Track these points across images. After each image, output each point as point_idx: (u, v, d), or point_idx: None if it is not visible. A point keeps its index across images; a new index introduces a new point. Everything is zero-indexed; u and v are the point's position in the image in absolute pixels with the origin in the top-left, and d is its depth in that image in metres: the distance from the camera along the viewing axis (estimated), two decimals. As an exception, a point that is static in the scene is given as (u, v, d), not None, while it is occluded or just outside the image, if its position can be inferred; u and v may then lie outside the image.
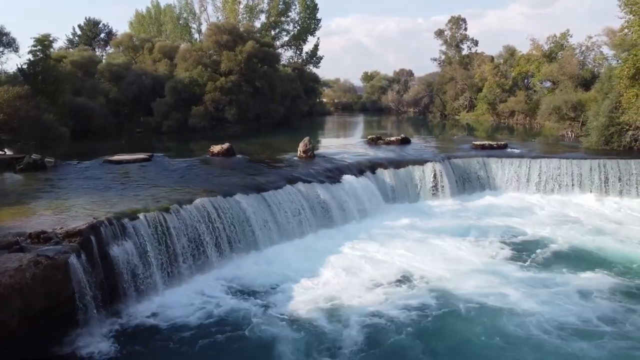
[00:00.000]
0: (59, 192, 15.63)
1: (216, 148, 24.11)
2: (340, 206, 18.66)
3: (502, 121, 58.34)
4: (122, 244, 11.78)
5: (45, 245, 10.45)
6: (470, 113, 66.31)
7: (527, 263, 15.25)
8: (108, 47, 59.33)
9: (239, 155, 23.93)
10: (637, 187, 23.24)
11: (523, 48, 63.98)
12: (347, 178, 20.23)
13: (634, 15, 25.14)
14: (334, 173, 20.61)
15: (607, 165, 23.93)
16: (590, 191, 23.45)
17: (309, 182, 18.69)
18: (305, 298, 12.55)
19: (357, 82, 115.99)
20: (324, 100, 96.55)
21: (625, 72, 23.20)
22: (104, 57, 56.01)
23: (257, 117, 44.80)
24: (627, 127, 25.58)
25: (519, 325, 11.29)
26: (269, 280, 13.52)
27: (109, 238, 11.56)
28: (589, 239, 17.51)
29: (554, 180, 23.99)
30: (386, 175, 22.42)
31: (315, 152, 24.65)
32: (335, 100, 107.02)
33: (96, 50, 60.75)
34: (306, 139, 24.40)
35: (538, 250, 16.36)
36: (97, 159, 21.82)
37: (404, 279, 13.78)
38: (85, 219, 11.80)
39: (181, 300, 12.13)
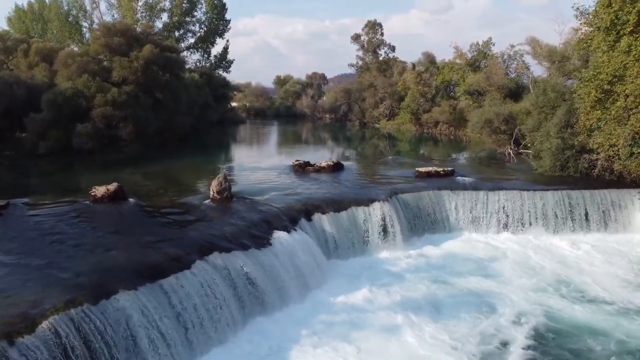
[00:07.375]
0: None
1: (100, 190, 18.05)
2: (273, 282, 13.53)
3: (425, 131, 55.91)
4: None
5: None
6: (391, 122, 63.60)
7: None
8: (-27, 48, 49.53)
9: (130, 200, 18.03)
10: (613, 223, 20.45)
11: (434, 52, 62.22)
12: (279, 236, 15.11)
13: (591, 27, 22.19)
14: (260, 228, 15.42)
15: (572, 196, 21.01)
16: (563, 230, 20.39)
17: (229, 250, 13.40)
18: None
19: (269, 84, 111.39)
20: (235, 105, 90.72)
21: (593, 94, 20.05)
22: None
23: (159, 131, 38.25)
24: (596, 153, 22.71)
25: None
26: None
27: None
28: (597, 315, 13.83)
29: (518, 217, 20.54)
30: (325, 222, 17.64)
31: (233, 188, 19.32)
32: (247, 105, 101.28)
33: (-42, 51, 50.70)
34: (221, 175, 19.01)
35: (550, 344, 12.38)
36: None
37: None
38: None
39: None
